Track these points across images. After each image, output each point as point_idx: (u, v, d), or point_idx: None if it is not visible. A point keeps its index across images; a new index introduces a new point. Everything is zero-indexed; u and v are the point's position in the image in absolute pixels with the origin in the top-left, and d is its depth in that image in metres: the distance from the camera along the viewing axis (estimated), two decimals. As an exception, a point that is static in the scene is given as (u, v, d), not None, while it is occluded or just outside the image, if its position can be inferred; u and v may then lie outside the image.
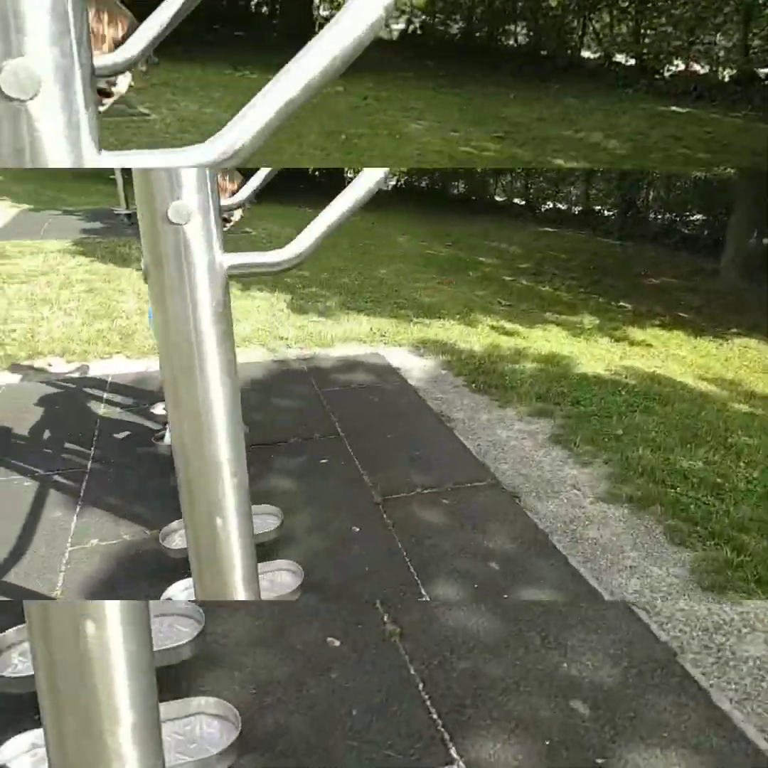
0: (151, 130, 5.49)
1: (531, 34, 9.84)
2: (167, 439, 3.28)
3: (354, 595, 2.36)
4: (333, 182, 15.73)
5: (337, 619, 2.26)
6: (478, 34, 10.85)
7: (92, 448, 3.33)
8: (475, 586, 2.42)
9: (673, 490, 3.02)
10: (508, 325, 5.75)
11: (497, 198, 14.82)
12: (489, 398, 4.11)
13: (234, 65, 8.06)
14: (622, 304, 7.30)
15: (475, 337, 5.30)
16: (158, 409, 3.53)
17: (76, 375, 4.36)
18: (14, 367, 4.42)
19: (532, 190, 13.97)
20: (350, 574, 2.46)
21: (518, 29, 10.50)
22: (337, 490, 3.02)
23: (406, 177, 16.00)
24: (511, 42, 10.36)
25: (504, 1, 10.53)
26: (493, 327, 5.64)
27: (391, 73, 8.68)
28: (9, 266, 6.88)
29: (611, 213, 12.27)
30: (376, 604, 2.32)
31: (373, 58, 10.51)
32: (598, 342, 5.62)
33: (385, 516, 2.82)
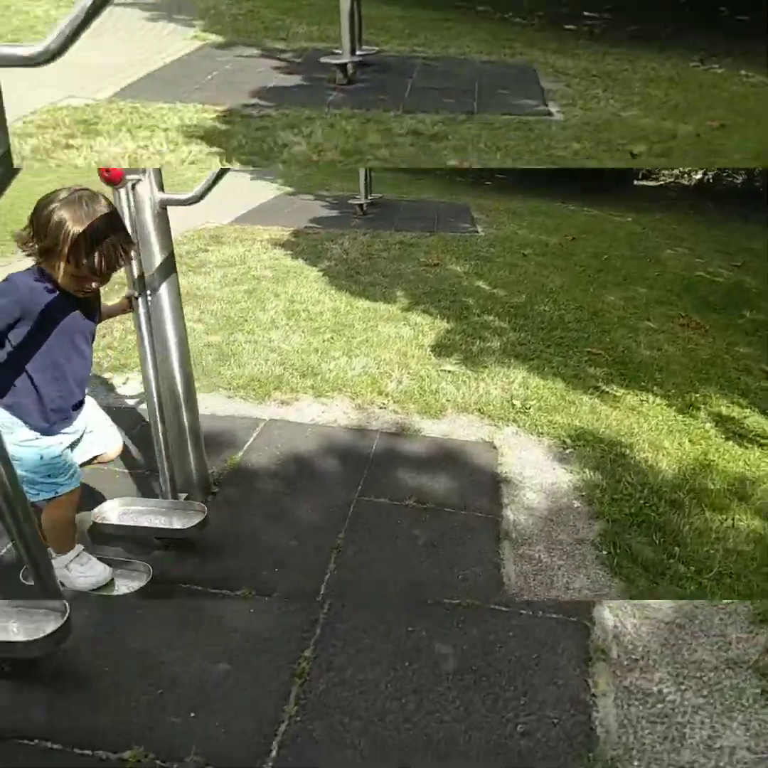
0: (544, 132, 4.18)
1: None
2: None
3: None
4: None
5: None
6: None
7: None
8: None
9: None
10: (753, 420, 3.53)
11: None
12: (623, 585, 2.23)
13: (702, 59, 6.36)
14: None
15: (677, 438, 3.26)
16: None
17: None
18: None
19: None
20: None
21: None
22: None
23: (715, 170, 12.93)
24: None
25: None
26: (723, 421, 3.50)
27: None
28: (210, 254, 6.48)
29: None
30: None
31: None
32: None
33: None
